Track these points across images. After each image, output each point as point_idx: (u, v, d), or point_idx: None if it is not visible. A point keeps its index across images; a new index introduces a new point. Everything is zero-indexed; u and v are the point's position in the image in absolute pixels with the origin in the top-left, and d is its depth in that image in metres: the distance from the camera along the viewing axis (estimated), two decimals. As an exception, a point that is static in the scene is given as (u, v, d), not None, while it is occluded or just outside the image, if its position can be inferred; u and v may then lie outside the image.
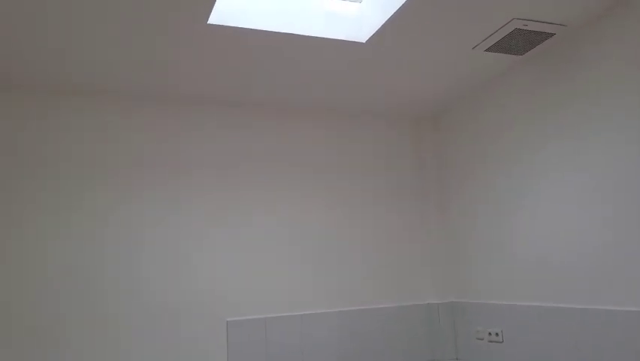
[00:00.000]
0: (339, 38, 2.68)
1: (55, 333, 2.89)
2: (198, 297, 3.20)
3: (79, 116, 3.16)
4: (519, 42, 2.81)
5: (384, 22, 2.55)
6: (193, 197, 3.30)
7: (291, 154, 3.61)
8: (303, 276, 3.47)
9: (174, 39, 2.57)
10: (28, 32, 2.43)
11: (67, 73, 2.88)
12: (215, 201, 3.35)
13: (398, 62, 3.00)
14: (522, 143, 3.10)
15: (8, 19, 2.29)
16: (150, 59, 2.78)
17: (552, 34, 2.74)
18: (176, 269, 3.18)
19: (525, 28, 2.65)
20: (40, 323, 2.87)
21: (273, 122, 3.61)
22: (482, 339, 3.36)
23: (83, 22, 2.37)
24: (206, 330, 3.17)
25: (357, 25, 2.74)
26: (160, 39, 2.56)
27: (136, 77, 2.99)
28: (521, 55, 2.98)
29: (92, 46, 2.59)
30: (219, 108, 3.48)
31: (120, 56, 2.72)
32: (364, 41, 2.72)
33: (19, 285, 2.87)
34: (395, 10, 2.46)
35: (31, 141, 3.03)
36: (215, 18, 2.45)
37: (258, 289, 3.34)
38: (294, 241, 3.50)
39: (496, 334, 3.22)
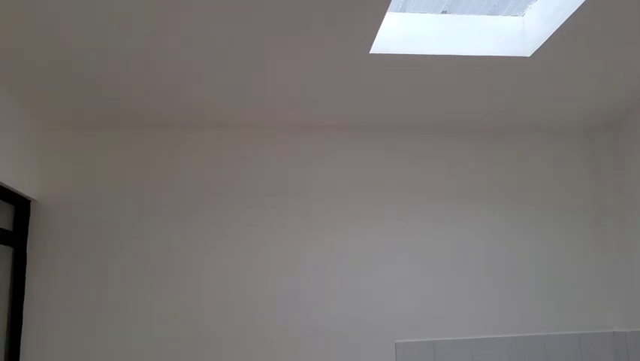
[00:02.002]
0: (502, 55, 2.62)
1: (225, 356, 3.14)
2: (367, 318, 3.26)
3: (252, 147, 3.44)
4: None
5: (550, 34, 2.45)
6: (361, 221, 3.40)
7: (454, 176, 3.57)
8: (473, 299, 3.38)
9: (334, 71, 2.71)
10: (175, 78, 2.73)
11: (234, 109, 3.17)
12: (383, 225, 3.41)
13: (567, 73, 2.84)
14: None
15: (158, 67, 2.61)
16: (308, 93, 2.95)
17: None
18: (346, 291, 3.29)
19: None
20: (211, 342, 3.15)
21: (436, 145, 3.60)
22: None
23: (249, 60, 2.60)
24: (375, 352, 3.22)
25: (520, 40, 2.65)
26: (321, 72, 2.71)
27: (290, 109, 3.19)
28: None
29: (263, 82, 2.83)
30: (375, 134, 3.57)
31: (275, 91, 2.93)
32: (529, 55, 2.62)
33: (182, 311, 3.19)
34: (562, 22, 2.35)
35: (195, 170, 3.38)
36: (377, 47, 2.54)
37: (427, 312, 3.32)
38: (465, 263, 3.43)
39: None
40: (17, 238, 3.01)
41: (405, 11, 2.63)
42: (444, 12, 2.66)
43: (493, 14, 2.70)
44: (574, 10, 2.26)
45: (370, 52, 2.52)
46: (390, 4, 2.24)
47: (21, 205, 3.09)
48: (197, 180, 3.33)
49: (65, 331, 3.02)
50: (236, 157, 3.40)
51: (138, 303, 3.11)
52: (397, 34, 2.58)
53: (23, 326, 2.99)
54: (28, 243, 3.09)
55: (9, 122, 2.77)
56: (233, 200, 3.33)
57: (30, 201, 3.13)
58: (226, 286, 3.21)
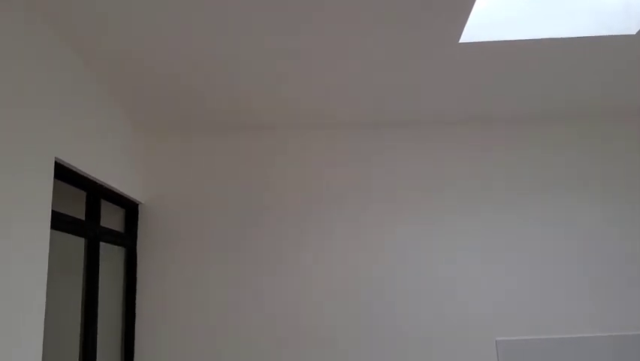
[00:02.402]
0: (604, 34, 2.46)
1: (341, 342, 3.18)
2: (466, 316, 3.19)
3: (340, 146, 3.48)
4: None
5: (658, 7, 2.28)
6: (456, 218, 3.34)
7: (555, 165, 3.41)
8: (578, 297, 3.20)
9: (422, 64, 2.67)
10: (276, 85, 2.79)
11: (325, 109, 3.22)
12: (478, 221, 3.33)
13: (678, 49, 2.63)
14: None
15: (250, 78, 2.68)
16: (396, 87, 2.93)
17: None
18: (443, 290, 3.24)
19: None
20: (330, 333, 3.20)
21: (533, 133, 3.46)
22: None
23: (340, 59, 2.63)
24: (475, 350, 3.14)
25: (623, 17, 2.49)
26: (409, 65, 2.69)
27: (384, 103, 3.19)
28: None
29: (352, 80, 2.86)
30: (458, 127, 3.48)
31: (363, 87, 2.93)
32: (634, 33, 2.45)
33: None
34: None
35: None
36: (467, 36, 2.48)
37: (530, 309, 3.19)
38: (569, 258, 3.27)
39: None
40: (128, 239, 3.24)
41: (494, -3, 2.55)
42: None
43: (591, -8, 2.55)
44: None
45: (460, 41, 2.47)
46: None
47: (130, 208, 3.32)
48: (296, 181, 3.41)
49: (174, 322, 3.20)
50: (324, 157, 3.45)
51: (241, 299, 3.24)
52: (487, 20, 2.51)
53: (136, 318, 3.22)
54: (137, 243, 3.31)
55: (116, 131, 2.99)
56: (332, 200, 3.38)
57: (138, 204, 3.35)
58: (328, 286, 3.26)
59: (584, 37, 2.48)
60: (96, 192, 2.78)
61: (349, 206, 3.37)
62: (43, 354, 2.04)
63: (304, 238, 3.33)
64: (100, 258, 2.80)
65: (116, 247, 3.15)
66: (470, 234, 3.31)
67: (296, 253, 3.31)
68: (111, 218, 3.13)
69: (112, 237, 2.98)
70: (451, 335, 3.16)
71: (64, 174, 2.37)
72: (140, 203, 3.35)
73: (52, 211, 2.21)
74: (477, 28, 2.48)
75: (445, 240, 3.31)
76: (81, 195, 2.76)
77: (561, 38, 2.49)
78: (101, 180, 2.68)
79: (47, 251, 2.09)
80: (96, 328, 2.69)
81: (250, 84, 2.82)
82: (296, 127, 3.47)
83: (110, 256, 3.05)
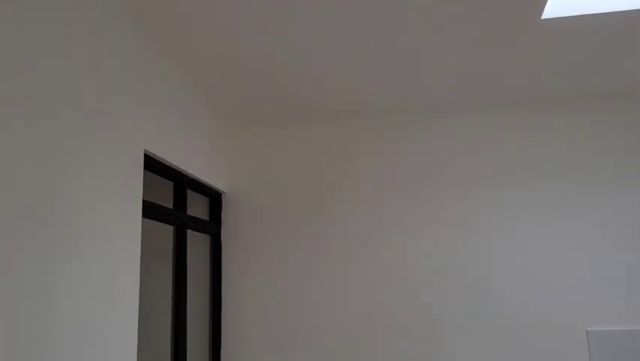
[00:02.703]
0: None
1: (430, 331, 3.17)
2: (555, 305, 3.07)
3: (420, 133, 3.43)
4: None
5: None
6: (545, 202, 3.22)
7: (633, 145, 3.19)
8: (677, 284, 2.99)
9: (501, 44, 2.58)
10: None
11: (400, 97, 3.18)
12: (574, 206, 3.19)
13: None
14: None
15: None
16: (475, 70, 2.85)
17: None
18: (532, 278, 3.13)
19: None
20: (418, 322, 3.19)
21: (631, 110, 3.25)
22: None
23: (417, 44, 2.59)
24: (565, 340, 3.01)
25: None
26: (494, 46, 2.60)
27: (461, 88, 3.10)
28: None
29: (432, 65, 2.80)
30: (544, 109, 3.32)
31: (440, 71, 2.86)
32: None
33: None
34: None
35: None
36: (549, 11, 2.36)
37: (623, 299, 3.01)
38: (661, 243, 3.06)
39: None
40: (213, 227, 3.38)
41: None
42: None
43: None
44: None
45: (542, 17, 2.36)
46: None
47: (214, 198, 3.46)
48: (373, 169, 3.42)
49: (258, 306, 3.32)
50: (400, 144, 3.42)
51: (321, 285, 3.29)
52: (572, -5, 2.38)
53: (222, 301, 3.36)
54: (222, 231, 3.45)
55: (201, 124, 3.12)
56: (413, 187, 3.36)
57: (221, 193, 3.49)
58: (412, 275, 3.25)
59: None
60: (182, 182, 2.92)
61: (427, 193, 3.33)
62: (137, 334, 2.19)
63: (386, 223, 3.33)
64: (187, 245, 2.94)
65: (202, 235, 3.30)
66: (559, 219, 3.17)
67: (378, 239, 3.31)
68: (197, 207, 3.28)
69: (198, 225, 3.12)
70: (540, 324, 3.05)
71: (152, 165, 2.51)
72: (224, 192, 3.48)
73: (143, 200, 2.35)
74: (563, 5, 2.36)
75: (533, 226, 3.19)
76: (168, 185, 2.91)
77: (656, 8, 2.31)
78: (187, 170, 2.82)
79: (139, 238, 2.23)
80: (185, 311, 2.84)
81: (335, 76, 2.84)
82: (375, 114, 3.46)
83: (197, 244, 3.21)
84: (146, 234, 2.55)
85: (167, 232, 2.90)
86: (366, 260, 3.29)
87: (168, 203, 2.88)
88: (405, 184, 3.36)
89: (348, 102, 3.27)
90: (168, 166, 2.66)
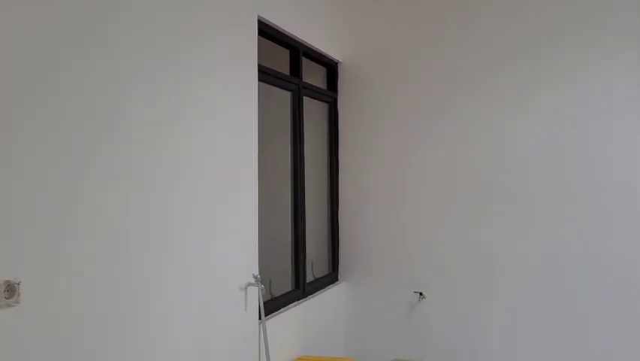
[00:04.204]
0: None
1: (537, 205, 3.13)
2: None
3: None
4: None
5: None
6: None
7: None
8: None
9: None
10: None
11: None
12: None
13: None
14: None
15: None
16: None
17: None
18: None
19: None
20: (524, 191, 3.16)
21: None
22: None
23: None
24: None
25: None
26: None
27: None
28: None
29: None
30: None
31: None
32: None
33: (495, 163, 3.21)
34: None
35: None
36: None
37: None
38: None
39: None
40: (330, 95, 3.48)
41: None
42: None
43: None
44: None
45: None
46: None
47: (330, 67, 3.52)
48: (494, 34, 3.23)
49: (372, 169, 3.46)
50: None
51: (432, 146, 3.33)
52: None
53: (339, 164, 3.55)
54: (338, 99, 3.54)
55: (315, -10, 3.11)
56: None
57: (337, 63, 3.53)
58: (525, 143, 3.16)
59: None
60: (297, 50, 3.00)
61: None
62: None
63: (502, 94, 3.20)
64: (304, 112, 3.08)
65: (320, 103, 3.42)
66: None
67: (492, 109, 3.21)
68: (314, 76, 3.37)
69: (315, 92, 3.23)
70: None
71: (267, 31, 2.60)
72: (340, 62, 3.52)
73: (259, 65, 2.48)
74: None
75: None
76: (285, 53, 3.01)
77: None
78: (302, 38, 2.88)
79: (256, 100, 2.40)
80: (304, 172, 3.05)
81: None
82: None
83: (314, 111, 3.35)
84: (264, 105, 2.67)
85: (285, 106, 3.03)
86: (477, 130, 3.22)
87: (286, 71, 2.99)
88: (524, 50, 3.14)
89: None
90: (282, 32, 2.73)
